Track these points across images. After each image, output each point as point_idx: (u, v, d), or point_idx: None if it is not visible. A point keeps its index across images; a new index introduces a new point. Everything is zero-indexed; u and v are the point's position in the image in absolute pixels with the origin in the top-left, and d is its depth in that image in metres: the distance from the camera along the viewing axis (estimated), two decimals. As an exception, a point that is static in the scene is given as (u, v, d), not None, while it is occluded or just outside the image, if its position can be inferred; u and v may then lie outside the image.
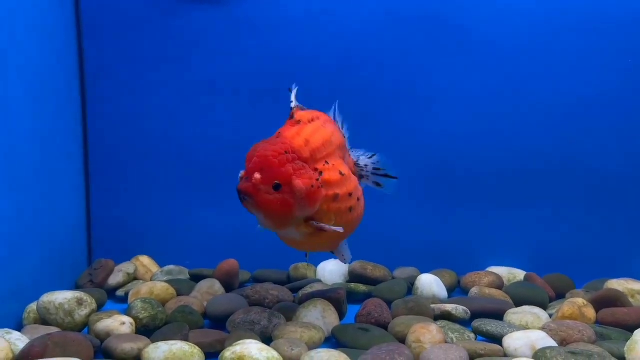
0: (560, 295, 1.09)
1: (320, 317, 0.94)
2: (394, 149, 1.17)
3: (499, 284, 1.11)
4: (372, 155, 0.98)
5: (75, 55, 1.21)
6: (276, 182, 0.79)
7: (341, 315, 0.98)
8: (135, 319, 0.92)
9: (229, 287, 1.10)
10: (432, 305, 0.99)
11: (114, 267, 1.16)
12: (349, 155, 0.96)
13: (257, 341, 0.81)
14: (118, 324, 0.89)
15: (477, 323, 0.92)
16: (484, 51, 1.19)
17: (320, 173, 0.83)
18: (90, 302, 0.95)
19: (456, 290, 1.16)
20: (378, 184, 0.98)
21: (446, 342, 0.86)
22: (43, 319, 0.93)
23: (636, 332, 0.83)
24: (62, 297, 0.93)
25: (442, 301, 1.04)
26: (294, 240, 0.88)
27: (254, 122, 1.16)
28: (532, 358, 0.80)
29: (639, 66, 1.17)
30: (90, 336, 0.87)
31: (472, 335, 0.91)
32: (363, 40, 1.20)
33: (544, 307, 1.02)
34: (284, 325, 0.91)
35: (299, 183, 0.79)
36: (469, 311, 0.98)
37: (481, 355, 0.83)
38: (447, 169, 1.21)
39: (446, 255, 1.21)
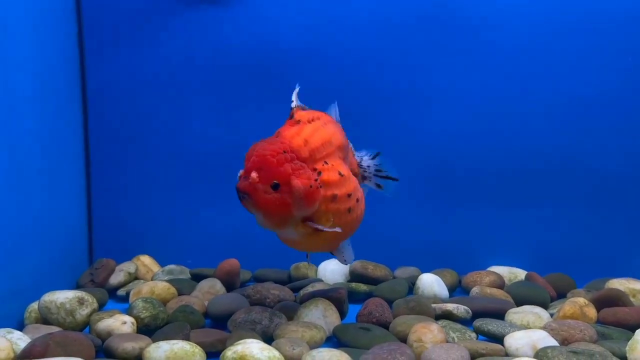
0: (561, 295, 1.09)
1: (321, 316, 0.94)
2: (395, 149, 1.18)
3: (500, 284, 1.11)
4: (375, 156, 0.99)
5: (76, 55, 1.21)
6: (274, 181, 0.79)
7: (342, 314, 0.98)
8: (137, 318, 0.92)
9: (230, 286, 1.10)
10: (433, 305, 0.99)
11: (115, 266, 1.16)
12: (353, 156, 0.96)
13: (258, 340, 0.81)
14: (119, 323, 0.89)
15: (478, 322, 0.92)
16: (484, 51, 1.19)
17: (319, 173, 0.83)
18: (91, 302, 0.95)
19: (457, 290, 1.16)
20: (379, 186, 0.98)
21: (447, 342, 0.87)
22: (44, 319, 0.93)
23: (637, 331, 0.83)
24: (63, 297, 0.93)
25: (443, 301, 1.04)
26: (293, 240, 0.88)
27: (255, 121, 1.17)
28: (534, 357, 0.80)
29: (639, 66, 1.17)
30: (91, 335, 0.88)
31: (474, 335, 0.91)
32: (363, 40, 1.20)
33: (545, 307, 1.02)
34: (285, 324, 0.91)
35: (297, 183, 0.79)
36: (470, 311, 0.98)
37: (482, 355, 0.83)
38: (448, 168, 1.21)
39: (447, 255, 1.21)
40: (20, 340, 0.82)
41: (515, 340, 0.85)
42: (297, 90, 0.89)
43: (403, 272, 1.18)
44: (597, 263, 1.18)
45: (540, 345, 0.82)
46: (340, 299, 0.99)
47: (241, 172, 0.81)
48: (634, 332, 0.85)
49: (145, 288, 1.05)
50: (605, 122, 1.18)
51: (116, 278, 1.14)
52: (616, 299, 0.99)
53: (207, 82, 1.22)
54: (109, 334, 0.87)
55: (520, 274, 1.16)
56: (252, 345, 0.78)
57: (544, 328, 0.89)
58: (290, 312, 0.96)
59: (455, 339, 0.89)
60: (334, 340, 0.92)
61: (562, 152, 1.19)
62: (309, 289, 1.08)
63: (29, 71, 1.02)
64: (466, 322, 0.96)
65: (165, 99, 1.23)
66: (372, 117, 1.20)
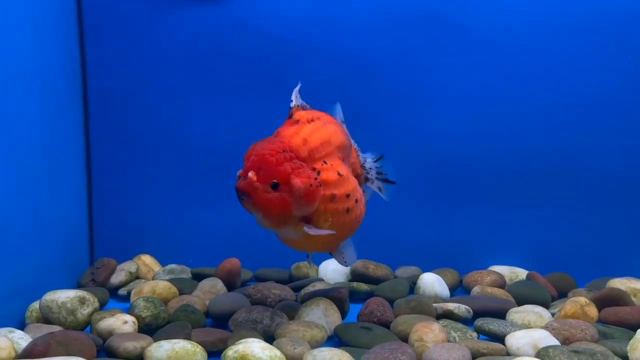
0: (563, 294, 1.09)
1: (322, 315, 0.94)
2: (395, 148, 1.19)
3: (501, 283, 1.11)
4: (378, 159, 0.99)
5: (77, 55, 1.21)
6: (274, 181, 0.79)
7: (343, 314, 0.98)
8: (138, 317, 0.92)
9: (231, 286, 1.10)
10: (435, 304, 0.99)
11: (116, 266, 1.16)
12: (357, 157, 0.97)
13: (259, 340, 0.81)
14: (120, 322, 0.89)
15: (479, 322, 0.92)
16: (484, 51, 1.19)
17: (318, 173, 0.83)
18: (92, 301, 0.95)
19: (458, 289, 1.16)
20: (380, 189, 0.99)
21: (449, 341, 0.87)
22: (45, 318, 0.93)
23: (639, 330, 0.83)
24: (64, 296, 0.93)
25: (445, 300, 1.05)
26: (292, 240, 0.88)
27: (256, 121, 1.16)
28: (535, 357, 0.80)
29: (639, 66, 1.17)
30: (92, 335, 0.87)
31: (475, 334, 0.91)
32: (364, 40, 1.20)
33: (546, 306, 1.02)
34: (286, 324, 0.91)
35: (297, 182, 0.79)
36: (471, 310, 0.98)
37: (484, 354, 0.83)
38: (449, 168, 1.21)
39: (448, 255, 1.21)
40: (21, 339, 0.82)
41: (517, 339, 0.85)
42: (297, 89, 0.89)
43: (404, 271, 1.18)
44: (598, 262, 1.18)
45: (542, 345, 0.82)
46: (341, 299, 0.99)
47: (240, 171, 0.81)
48: (635, 331, 0.85)
49: (146, 287, 1.05)
50: (605, 122, 1.18)
51: (117, 277, 1.14)
52: (617, 299, 0.99)
53: (208, 81, 1.22)
54: (110, 333, 0.87)
55: (521, 273, 1.16)
56: (254, 345, 0.78)
57: (545, 327, 0.89)
58: (291, 312, 0.96)
59: (457, 338, 0.89)
60: (335, 340, 0.92)
61: (563, 151, 1.19)
62: (310, 288, 1.08)
63: (29, 71, 1.02)
64: (467, 321, 0.96)
65: (166, 98, 1.23)
66: (373, 117, 1.20)
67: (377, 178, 0.98)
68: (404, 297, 1.03)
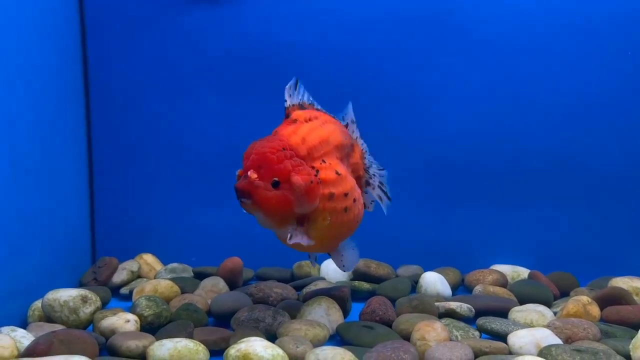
0: (565, 294, 1.09)
1: (324, 314, 0.94)
2: (397, 148, 1.19)
3: (503, 282, 1.11)
4: (381, 169, 0.99)
5: (78, 55, 1.21)
6: (275, 179, 0.79)
7: (345, 313, 0.98)
8: (140, 316, 0.92)
9: (232, 285, 1.10)
10: (437, 303, 0.99)
11: (118, 265, 1.17)
12: (363, 158, 0.96)
13: (261, 339, 0.81)
14: (123, 321, 0.89)
15: (481, 321, 0.92)
16: (484, 51, 1.19)
17: (317, 171, 0.83)
18: (94, 300, 0.95)
19: (460, 289, 1.16)
20: (380, 198, 0.99)
21: (451, 340, 0.87)
22: (48, 317, 0.93)
23: (641, 329, 0.83)
24: (66, 295, 0.93)
25: (446, 299, 1.04)
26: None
27: (257, 121, 1.16)
28: (537, 356, 0.80)
29: (639, 66, 1.16)
30: (95, 334, 0.88)
31: (477, 333, 0.91)
32: (365, 39, 1.20)
33: (549, 305, 1.02)
34: (288, 322, 0.91)
35: (297, 179, 0.79)
36: (473, 309, 0.98)
37: (486, 353, 0.83)
38: (451, 167, 1.21)
39: (450, 254, 1.21)
40: (23, 338, 0.82)
41: (519, 338, 0.85)
42: (290, 86, 0.89)
43: (406, 270, 1.18)
44: (600, 261, 1.18)
45: (544, 344, 0.82)
46: (343, 297, 0.99)
47: (240, 171, 0.81)
48: (637, 330, 0.85)
49: (148, 286, 1.05)
50: (605, 122, 1.18)
51: (119, 276, 1.14)
52: (619, 298, 0.99)
53: (210, 81, 1.22)
54: (113, 332, 0.88)
55: (523, 272, 1.16)
56: (256, 344, 0.78)
57: (548, 326, 0.89)
58: (293, 311, 0.96)
59: (459, 337, 0.89)
60: (337, 339, 0.92)
61: (563, 151, 1.19)
62: (312, 287, 1.08)
63: (31, 71, 1.02)
64: (469, 320, 0.96)
65: (167, 98, 1.23)
66: (374, 116, 1.19)
67: (378, 187, 0.98)
68: (405, 296, 1.03)
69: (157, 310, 0.93)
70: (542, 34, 1.17)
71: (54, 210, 1.08)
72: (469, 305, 0.98)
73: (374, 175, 0.98)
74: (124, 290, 1.11)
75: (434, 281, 1.07)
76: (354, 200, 0.88)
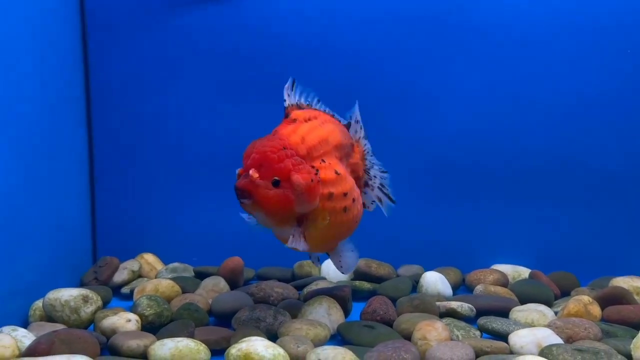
0: (565, 293, 1.09)
1: (325, 314, 0.94)
2: (398, 147, 1.19)
3: (503, 282, 1.11)
4: (384, 172, 0.99)
5: (79, 54, 1.21)
6: (275, 178, 0.79)
7: (346, 312, 0.98)
8: (141, 316, 0.92)
9: (233, 284, 1.10)
10: (437, 303, 0.99)
11: (119, 264, 1.17)
12: (364, 158, 0.96)
13: (262, 338, 0.81)
14: (124, 321, 0.89)
15: (482, 320, 0.92)
16: (484, 51, 1.19)
17: (317, 171, 0.83)
18: (95, 299, 0.95)
19: (461, 288, 1.16)
20: (380, 200, 0.98)
21: (452, 340, 0.86)
22: (49, 316, 0.93)
23: (642, 329, 0.83)
24: (67, 294, 0.93)
25: (447, 299, 1.05)
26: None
27: (259, 121, 1.16)
28: (539, 355, 0.80)
29: (639, 66, 1.16)
30: (96, 333, 0.88)
31: (478, 333, 0.91)
32: (366, 39, 1.20)
33: (549, 305, 1.02)
34: (289, 322, 0.91)
35: (298, 178, 0.79)
36: (474, 309, 0.98)
37: (487, 353, 0.83)
38: (451, 167, 1.21)
39: (451, 253, 1.21)
40: (25, 337, 0.82)
41: (520, 338, 0.85)
42: (288, 85, 0.89)
43: (407, 270, 1.18)
44: (601, 261, 1.18)
45: (545, 343, 0.82)
46: (344, 297, 0.99)
47: (240, 170, 0.81)
48: (638, 330, 0.85)
49: (149, 286, 1.05)
50: (606, 122, 1.18)
51: (120, 276, 1.14)
52: (620, 297, 0.99)
53: (210, 81, 1.22)
54: (114, 331, 0.88)
55: (524, 272, 1.16)
56: (257, 343, 0.78)
57: (549, 326, 0.89)
58: (294, 310, 0.96)
59: (460, 336, 0.89)
60: (338, 338, 0.92)
61: (564, 150, 1.19)
62: (313, 287, 1.08)
63: (32, 71, 1.02)
64: (470, 320, 0.96)
65: (168, 98, 1.23)
66: (374, 116, 1.19)
67: (378, 188, 0.98)
68: (406, 296, 1.03)
69: (158, 310, 0.93)
70: (542, 33, 1.17)
71: (55, 209, 1.08)
72: (469, 305, 0.98)
73: (374, 177, 0.98)
74: (124, 290, 1.11)
75: (435, 281, 1.07)
76: (353, 200, 0.88)
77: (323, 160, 0.85)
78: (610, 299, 0.99)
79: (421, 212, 1.21)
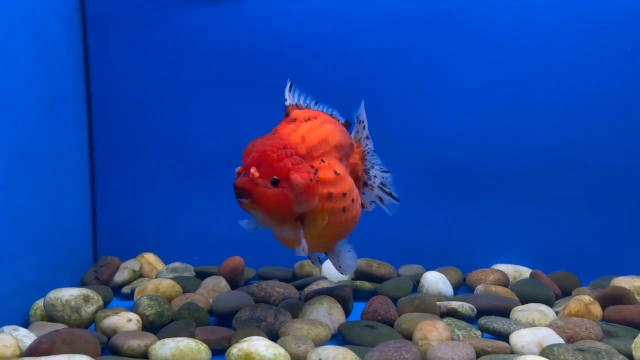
0: (566, 293, 1.09)
1: (326, 314, 0.94)
2: (399, 147, 1.19)
3: (504, 282, 1.11)
4: (386, 172, 0.98)
5: (80, 55, 1.21)
6: (274, 177, 0.79)
7: (347, 312, 0.98)
8: (142, 315, 0.92)
9: (234, 284, 1.10)
10: (438, 303, 0.99)
11: (120, 264, 1.17)
12: (362, 160, 0.96)
13: (263, 338, 0.81)
14: (124, 320, 0.89)
15: (483, 320, 0.92)
16: (484, 51, 1.19)
17: (316, 171, 0.83)
18: (96, 299, 0.95)
19: (462, 288, 1.16)
20: (381, 199, 0.98)
21: (453, 340, 0.86)
22: (50, 316, 0.93)
23: (643, 329, 0.83)
24: (68, 294, 0.93)
25: (448, 298, 1.05)
26: (288, 239, 0.88)
27: (260, 121, 1.16)
28: (540, 355, 0.80)
29: (639, 66, 1.16)
30: (97, 333, 0.88)
31: (479, 333, 0.91)
32: (367, 38, 1.20)
33: (550, 305, 1.02)
34: (290, 322, 0.91)
35: (297, 177, 0.79)
36: (475, 308, 0.98)
37: (488, 353, 0.83)
38: (452, 167, 1.21)
39: (451, 253, 1.21)
40: (26, 337, 0.82)
41: (521, 337, 0.85)
42: (288, 87, 0.89)
43: (407, 270, 1.18)
44: (602, 261, 1.18)
45: (546, 343, 0.82)
46: (345, 297, 0.99)
47: (239, 168, 0.81)
48: (639, 329, 0.85)
49: (150, 285, 1.05)
50: (606, 122, 1.18)
51: (121, 276, 1.14)
52: (621, 297, 0.99)
53: (211, 81, 1.22)
54: (115, 331, 0.88)
55: (525, 272, 1.16)
56: (258, 343, 0.78)
57: (550, 326, 0.89)
58: (295, 310, 0.96)
59: (461, 336, 0.89)
60: (339, 338, 0.92)
61: (565, 150, 1.19)
62: (314, 286, 1.08)
63: (32, 70, 1.02)
64: (471, 320, 0.96)
65: (169, 98, 1.23)
66: (374, 116, 1.19)
67: (379, 187, 0.98)
68: (407, 296, 1.03)
69: (158, 310, 0.93)
70: (542, 34, 1.17)
71: (56, 209, 1.08)
72: (470, 305, 0.98)
73: (374, 176, 0.98)
74: (125, 290, 1.11)
75: (436, 281, 1.07)
76: (352, 201, 0.88)
77: (322, 160, 0.85)
78: (611, 299, 0.99)
79: (422, 212, 1.21)
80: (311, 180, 0.81)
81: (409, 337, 0.88)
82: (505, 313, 0.97)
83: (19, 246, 0.95)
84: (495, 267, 1.17)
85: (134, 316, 0.91)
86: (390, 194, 0.98)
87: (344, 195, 0.86)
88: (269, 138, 0.82)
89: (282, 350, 0.78)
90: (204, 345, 0.82)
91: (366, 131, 0.97)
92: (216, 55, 1.22)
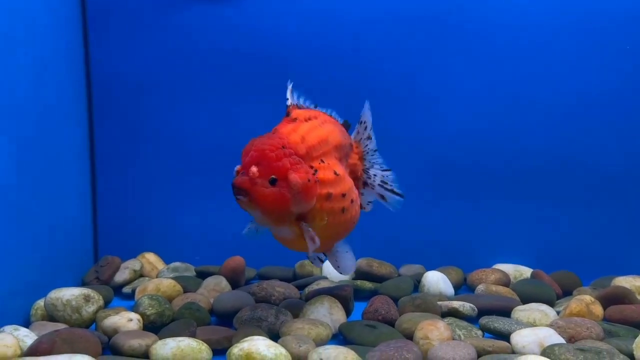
0: (567, 293, 1.09)
1: (327, 313, 0.94)
2: (400, 147, 1.19)
3: (505, 281, 1.11)
4: (386, 170, 0.98)
5: (81, 54, 1.21)
6: (272, 176, 0.79)
7: (348, 312, 0.98)
8: (143, 315, 0.92)
9: (235, 284, 1.10)
10: (439, 302, 0.99)
11: (120, 264, 1.16)
12: (361, 160, 0.96)
13: (264, 338, 0.81)
14: (125, 320, 0.89)
15: (484, 320, 0.92)
16: (484, 51, 1.19)
17: (315, 171, 0.83)
18: (97, 299, 0.95)
19: (462, 288, 1.16)
20: (383, 197, 0.98)
21: (454, 339, 0.86)
22: (50, 316, 0.93)
23: (644, 329, 0.83)
24: (69, 294, 0.93)
25: (449, 298, 1.04)
26: (287, 239, 0.88)
27: (260, 120, 1.16)
28: (541, 355, 0.79)
29: (639, 66, 1.16)
30: (97, 332, 0.88)
31: (480, 332, 0.91)
32: (364, 40, 1.20)
33: (551, 305, 1.02)
34: (291, 321, 0.91)
35: (294, 177, 0.79)
36: (476, 308, 0.98)
37: (489, 352, 0.83)
38: (452, 167, 1.21)
39: (452, 253, 1.21)
40: (26, 337, 0.82)
41: (522, 337, 0.84)
42: (290, 87, 0.89)
43: (408, 269, 1.18)
44: (603, 261, 1.18)
45: (547, 343, 0.82)
46: (346, 297, 0.99)
47: (238, 167, 0.81)
48: (640, 329, 0.85)
49: (150, 285, 1.05)
50: (606, 122, 1.18)
51: (121, 275, 1.14)
52: (622, 297, 0.99)
53: (212, 81, 1.22)
54: (115, 331, 0.87)
55: (526, 271, 1.16)
56: (259, 343, 0.78)
57: (551, 326, 0.89)
58: (295, 310, 0.96)
59: (462, 336, 0.89)
60: (340, 338, 0.92)
61: (564, 151, 1.19)
62: (314, 286, 1.08)
63: (33, 70, 1.02)
64: (472, 319, 0.96)
65: (170, 97, 1.23)
66: (375, 116, 1.19)
67: (379, 185, 0.98)
68: (408, 295, 1.03)
69: (159, 309, 0.93)
70: (542, 34, 1.17)
71: (56, 209, 1.08)
72: (471, 305, 0.98)
73: (374, 175, 0.98)
74: (126, 289, 1.11)
75: (437, 280, 1.07)
76: (352, 201, 0.88)
77: (322, 161, 0.85)
78: (612, 299, 0.99)
79: (422, 212, 1.21)
80: (309, 180, 0.81)
81: (410, 336, 0.88)
82: (506, 313, 0.97)
83: (20, 246, 0.95)
84: (496, 267, 1.17)
85: (134, 316, 0.90)
86: (392, 190, 0.98)
87: (343, 195, 0.86)
88: (269, 137, 0.82)
89: (283, 350, 0.78)
90: (205, 345, 0.82)
91: (368, 132, 0.97)
92: (216, 55, 1.22)
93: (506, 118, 1.20)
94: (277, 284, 1.05)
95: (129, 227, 1.24)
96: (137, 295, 1.04)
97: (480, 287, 1.08)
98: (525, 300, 1.02)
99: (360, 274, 1.14)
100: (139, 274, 1.16)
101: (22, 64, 0.98)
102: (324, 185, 0.84)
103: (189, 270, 1.18)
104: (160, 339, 0.84)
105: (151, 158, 1.24)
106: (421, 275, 1.10)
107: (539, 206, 1.20)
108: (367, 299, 1.00)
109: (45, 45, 1.06)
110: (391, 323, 0.93)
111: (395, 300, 1.00)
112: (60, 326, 0.89)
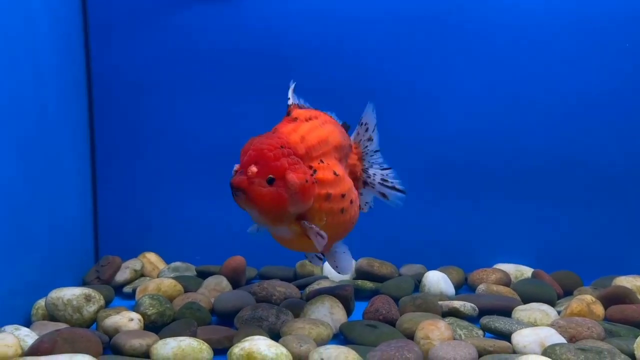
0: (568, 293, 1.09)
1: (328, 313, 0.94)
2: (400, 146, 1.18)
3: (506, 281, 1.11)
4: (386, 169, 0.98)
5: (81, 53, 1.21)
6: (270, 175, 0.79)
7: (349, 311, 0.98)
8: (143, 315, 0.92)
9: (235, 283, 1.10)
10: (440, 302, 0.99)
11: (121, 263, 1.16)
12: (360, 160, 0.96)
13: (265, 337, 0.81)
14: (126, 320, 0.89)
15: (485, 320, 0.92)
16: (484, 51, 1.19)
17: (315, 171, 0.83)
18: (98, 299, 0.95)
19: (463, 288, 1.16)
20: (384, 195, 0.98)
21: (454, 339, 0.86)
22: (51, 315, 0.93)
23: (645, 328, 0.83)
24: (70, 293, 0.93)
25: (450, 298, 1.04)
26: (285, 239, 0.88)
27: (261, 120, 1.16)
28: (542, 355, 0.79)
29: (639, 66, 1.16)
30: (98, 332, 0.88)
31: (481, 332, 0.91)
32: (364, 40, 1.20)
33: (552, 304, 1.02)
34: (292, 321, 0.91)
35: (292, 177, 0.79)
36: (476, 308, 0.98)
37: (490, 352, 0.83)
38: (453, 167, 1.21)
39: (453, 253, 1.21)
40: (27, 337, 0.82)
41: (523, 337, 0.85)
42: (292, 87, 0.89)
43: (409, 269, 1.18)
44: (604, 260, 1.18)
45: (548, 343, 0.82)
46: (346, 296, 0.99)
47: (237, 166, 0.81)
48: (641, 329, 0.85)
49: (151, 285, 1.05)
50: (606, 122, 1.18)
51: (122, 275, 1.14)
52: (623, 297, 0.99)
53: (212, 80, 1.22)
54: (116, 330, 0.87)
55: (527, 271, 1.16)
56: (259, 342, 0.78)
57: (552, 325, 0.89)
58: (296, 309, 0.96)
59: (463, 336, 0.89)
60: (340, 338, 0.92)
61: (565, 151, 1.19)
62: (315, 286, 1.08)
63: (33, 70, 1.02)
64: (473, 319, 0.96)
65: (170, 96, 1.23)
66: (378, 115, 1.19)
67: (380, 184, 0.98)
68: (409, 295, 1.03)
69: (160, 309, 0.93)
70: (542, 34, 1.17)
71: (57, 208, 1.08)
72: (472, 304, 0.98)
73: (374, 174, 0.98)
74: (127, 289, 1.11)
75: (437, 280, 1.07)
76: (351, 202, 0.88)
77: (322, 161, 0.85)
78: (613, 299, 0.99)
79: (423, 212, 1.21)
80: (307, 181, 0.80)
81: (410, 336, 0.88)
82: (507, 313, 0.97)
83: (20, 246, 0.95)
84: (497, 267, 1.17)
85: (135, 315, 0.90)
86: (393, 187, 0.98)
87: (343, 196, 0.86)
88: (268, 137, 0.82)
89: (283, 350, 0.78)
90: (206, 344, 0.82)
91: (369, 133, 0.97)
92: (216, 55, 1.22)
93: (506, 118, 1.20)
94: (278, 284, 1.05)
95: (130, 227, 1.25)
96: (137, 295, 1.04)
97: (481, 287, 1.08)
98: (526, 300, 1.02)
99: (361, 274, 1.14)
100: (140, 274, 1.16)
101: (22, 64, 0.98)
102: (324, 185, 0.84)
103: (190, 270, 1.18)
104: (161, 338, 0.83)
105: (151, 158, 1.24)
106: (422, 275, 1.10)
107: (540, 206, 1.20)
108: (368, 298, 1.00)
109: (45, 45, 1.06)
110: (392, 323, 0.93)
111: (396, 300, 1.00)
112: (61, 326, 0.89)
